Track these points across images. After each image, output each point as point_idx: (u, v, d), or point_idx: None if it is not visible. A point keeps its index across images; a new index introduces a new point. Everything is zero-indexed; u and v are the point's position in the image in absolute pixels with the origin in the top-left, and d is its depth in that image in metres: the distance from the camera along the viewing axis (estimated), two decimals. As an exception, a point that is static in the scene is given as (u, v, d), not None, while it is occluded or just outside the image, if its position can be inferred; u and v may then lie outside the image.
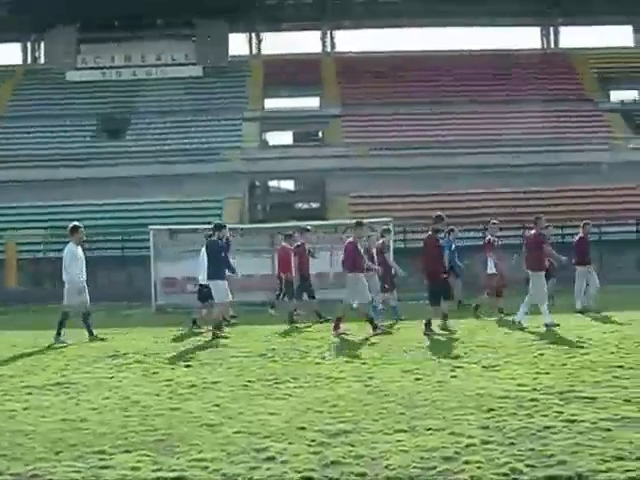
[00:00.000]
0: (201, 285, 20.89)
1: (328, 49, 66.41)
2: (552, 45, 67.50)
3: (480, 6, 63.73)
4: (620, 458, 7.48)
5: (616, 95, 62.46)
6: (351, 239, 18.94)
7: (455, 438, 8.38)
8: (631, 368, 11.99)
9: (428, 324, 17.47)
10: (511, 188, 47.55)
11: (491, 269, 21.79)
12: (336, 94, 59.18)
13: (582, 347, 14.29)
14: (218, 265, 19.06)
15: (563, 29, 67.99)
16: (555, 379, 11.26)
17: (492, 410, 9.52)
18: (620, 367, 12.08)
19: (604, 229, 42.01)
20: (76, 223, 19.74)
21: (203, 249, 20.61)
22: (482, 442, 8.20)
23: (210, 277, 19.25)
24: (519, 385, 10.90)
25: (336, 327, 17.99)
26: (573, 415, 9.14)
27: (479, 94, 56.67)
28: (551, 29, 67.70)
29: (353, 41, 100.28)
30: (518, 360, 13.14)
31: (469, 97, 56.17)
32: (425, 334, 17.06)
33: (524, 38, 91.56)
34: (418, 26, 69.13)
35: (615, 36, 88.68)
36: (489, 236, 22.69)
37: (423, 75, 59.24)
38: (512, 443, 8.13)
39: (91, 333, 18.63)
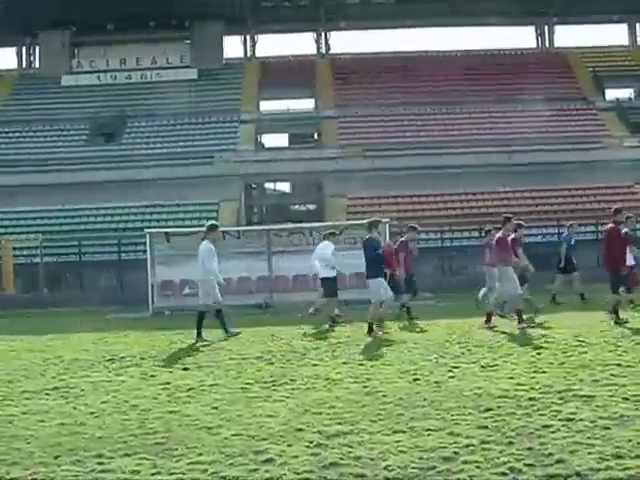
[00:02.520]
0: (322, 279, 21.44)
1: (323, 51, 66.45)
2: (547, 44, 67.59)
3: (475, 6, 63.88)
4: (619, 456, 7.48)
5: (611, 94, 62.60)
6: (500, 234, 19.05)
7: (454, 438, 8.38)
8: (629, 366, 11.99)
9: (616, 313, 17.89)
10: (508, 187, 47.65)
11: (631, 262, 21.88)
12: (331, 96, 59.25)
13: (580, 346, 14.28)
14: (375, 263, 18.96)
15: (558, 28, 68.18)
16: (553, 378, 11.25)
17: (490, 410, 9.51)
18: (618, 365, 12.07)
19: (600, 228, 42.02)
20: (214, 222, 20.13)
21: (322, 244, 21.38)
22: (481, 442, 8.19)
23: (368, 276, 19.15)
24: (517, 384, 10.88)
25: (488, 320, 18.21)
26: (571, 414, 9.14)
27: (475, 94, 56.67)
28: (546, 28, 67.82)
29: (348, 43, 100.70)
30: (516, 359, 13.13)
31: (465, 97, 56.21)
32: (615, 323, 17.46)
33: (520, 37, 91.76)
34: (413, 27, 69.22)
35: (610, 35, 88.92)
36: (625, 229, 22.62)
37: (418, 76, 59.37)
38: (511, 442, 8.13)
39: (226, 331, 18.69)
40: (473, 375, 11.89)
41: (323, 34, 66.64)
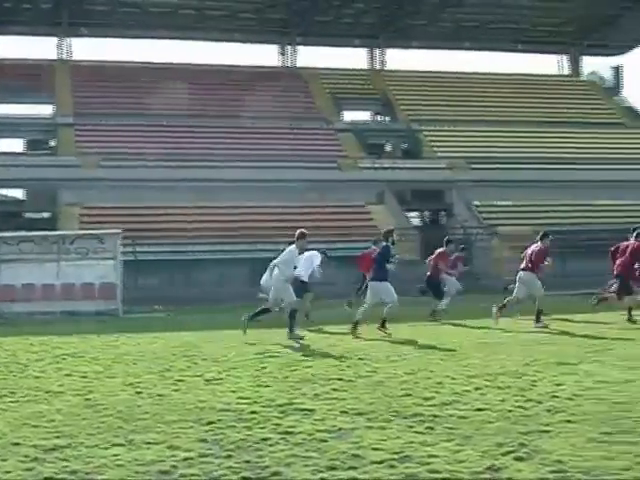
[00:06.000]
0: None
1: (64, 56, 65.03)
2: (289, 64, 68.73)
3: (222, 21, 64.37)
4: (333, 468, 7.60)
5: (349, 115, 64.55)
6: (541, 246, 22.02)
7: (173, 451, 8.31)
8: (350, 381, 12.29)
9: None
10: (250, 203, 47.95)
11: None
12: (70, 103, 58.03)
13: (305, 360, 14.57)
14: (385, 269, 20.17)
15: (302, 49, 69.44)
16: (276, 392, 11.40)
17: (211, 423, 9.52)
18: (340, 380, 12.36)
19: (334, 246, 43.12)
20: (304, 230, 20.41)
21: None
22: (199, 455, 8.15)
23: (380, 279, 20.23)
24: (240, 398, 10.95)
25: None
26: (291, 427, 9.25)
27: (215, 108, 57.03)
28: (289, 48, 68.96)
29: (91, 50, 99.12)
30: (240, 373, 13.24)
31: (205, 111, 56.44)
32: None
33: (265, 55, 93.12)
34: (161, 38, 68.84)
35: (353, 58, 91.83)
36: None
37: (160, 87, 58.91)
38: (229, 456, 8.15)
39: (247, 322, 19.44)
40: (197, 388, 11.89)
41: (66, 39, 65.26)
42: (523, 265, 22.16)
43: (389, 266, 20.22)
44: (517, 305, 22.17)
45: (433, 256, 25.32)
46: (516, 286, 22.13)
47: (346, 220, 47.56)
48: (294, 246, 20.18)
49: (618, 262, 22.19)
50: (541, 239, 22.30)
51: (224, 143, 54.19)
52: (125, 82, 59.11)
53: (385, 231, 21.46)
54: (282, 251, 21.37)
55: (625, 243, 22.80)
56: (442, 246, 25.61)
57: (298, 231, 20.36)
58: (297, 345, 17.14)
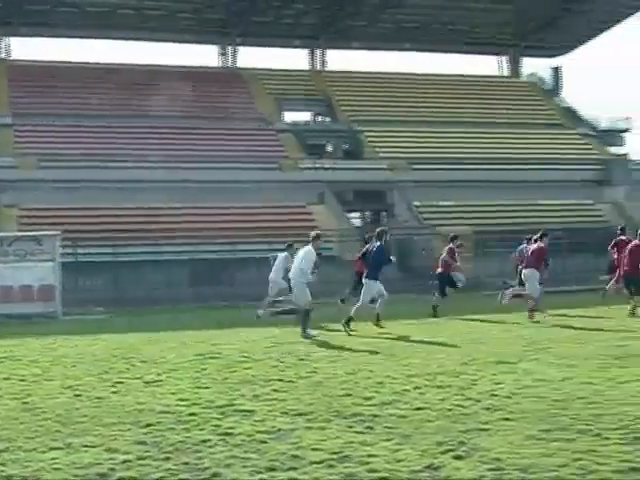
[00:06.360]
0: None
1: (2, 56, 64.22)
2: (230, 64, 68.46)
3: (159, 21, 64.00)
4: (272, 469, 7.61)
5: (290, 116, 64.62)
6: (541, 244, 22.75)
7: (111, 454, 8.25)
8: (290, 381, 12.32)
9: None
10: (191, 204, 47.73)
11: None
12: (8, 103, 57.31)
13: (245, 361, 14.53)
14: (378, 268, 20.62)
15: (242, 49, 69.21)
16: (215, 393, 11.38)
17: (150, 425, 9.47)
18: (280, 380, 12.37)
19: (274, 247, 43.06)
20: (319, 232, 20.95)
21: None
22: (138, 458, 8.10)
23: (370, 278, 20.54)
24: (179, 400, 10.93)
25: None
26: (230, 428, 9.24)
27: (154, 108, 56.60)
28: (229, 48, 68.68)
29: (30, 49, 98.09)
30: (180, 375, 13.19)
31: (145, 111, 56.02)
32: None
33: (204, 55, 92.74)
34: (99, 38, 68.21)
35: (294, 59, 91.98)
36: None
37: (98, 87, 58.52)
38: (168, 457, 8.10)
39: (305, 331, 19.22)
40: (136, 391, 11.83)
41: (3, 39, 64.41)
42: (525, 263, 23.16)
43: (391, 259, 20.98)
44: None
45: (443, 254, 25.68)
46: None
47: (287, 220, 47.45)
48: (310, 247, 20.11)
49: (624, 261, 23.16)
50: (540, 238, 23.04)
51: (158, 143, 53.71)
52: (64, 82, 58.50)
53: (379, 231, 21.53)
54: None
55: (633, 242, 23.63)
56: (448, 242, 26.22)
57: (313, 232, 20.66)
58: (235, 348, 16.99)
